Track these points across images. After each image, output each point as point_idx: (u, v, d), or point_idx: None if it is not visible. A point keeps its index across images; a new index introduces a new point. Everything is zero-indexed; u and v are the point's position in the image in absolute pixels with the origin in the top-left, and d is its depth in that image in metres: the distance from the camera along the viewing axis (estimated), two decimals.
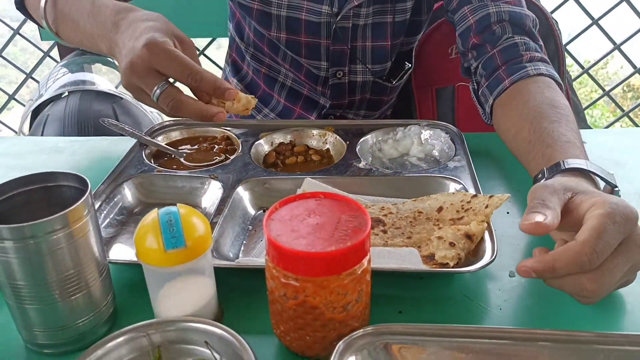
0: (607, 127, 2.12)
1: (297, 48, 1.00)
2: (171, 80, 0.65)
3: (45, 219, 0.45)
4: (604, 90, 1.89)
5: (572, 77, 1.71)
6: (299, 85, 1.08)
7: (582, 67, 1.87)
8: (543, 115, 0.74)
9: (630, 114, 2.00)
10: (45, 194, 0.53)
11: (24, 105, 1.95)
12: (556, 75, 0.84)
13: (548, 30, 1.18)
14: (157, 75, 0.64)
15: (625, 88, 3.27)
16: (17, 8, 0.91)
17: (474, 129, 0.95)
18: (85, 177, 0.51)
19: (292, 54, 1.02)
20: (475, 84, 0.91)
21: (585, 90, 3.36)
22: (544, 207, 0.52)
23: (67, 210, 0.46)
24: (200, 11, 1.47)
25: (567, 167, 0.62)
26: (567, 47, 1.76)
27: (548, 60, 0.87)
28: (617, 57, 1.83)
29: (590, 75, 1.89)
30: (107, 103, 1.41)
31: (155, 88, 0.64)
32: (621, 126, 2.13)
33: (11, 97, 1.98)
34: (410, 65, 1.10)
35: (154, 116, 1.51)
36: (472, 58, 0.90)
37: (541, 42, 0.90)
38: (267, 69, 1.09)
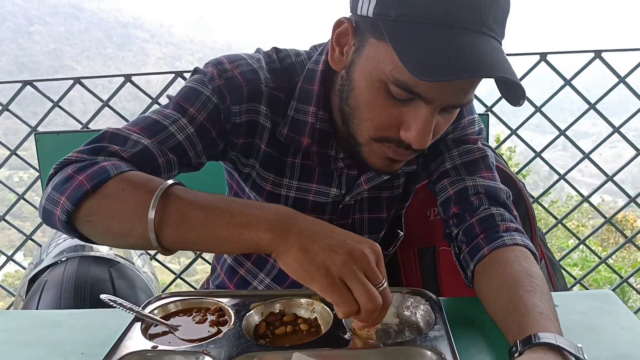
0: (587, 274, 2.18)
1: None
2: None
3: None
4: (579, 239, 1.99)
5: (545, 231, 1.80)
6: None
7: (556, 218, 1.98)
8: (519, 284, 0.82)
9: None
10: None
11: (22, 267, 2.00)
12: (531, 245, 0.94)
13: (517, 194, 1.29)
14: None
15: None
16: (65, 224, 0.81)
17: (456, 288, 1.01)
18: None
19: None
20: (456, 248, 1.00)
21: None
22: None
23: None
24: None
25: (537, 341, 0.67)
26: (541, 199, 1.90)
27: (523, 230, 0.98)
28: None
29: (564, 225, 2.00)
30: (104, 267, 1.46)
31: (383, 280, 0.71)
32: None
33: (9, 258, 2.04)
34: (402, 233, 1.18)
35: (149, 277, 1.56)
36: (453, 225, 1.00)
37: (515, 213, 1.01)
38: None
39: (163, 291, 1.93)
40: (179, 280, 2.24)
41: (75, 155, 0.84)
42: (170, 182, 0.77)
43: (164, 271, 2.34)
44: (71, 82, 1.88)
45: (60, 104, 1.95)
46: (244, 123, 0.95)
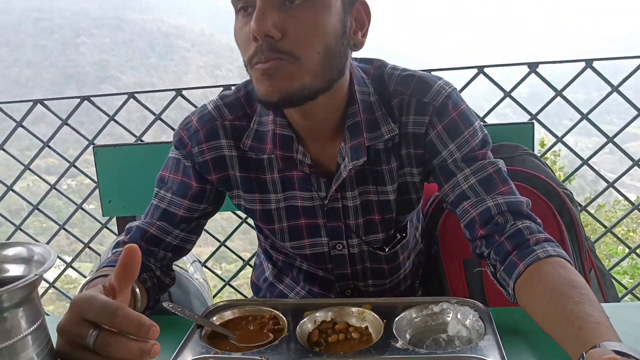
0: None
1: (299, 232, 1.12)
2: None
3: None
4: (629, 247, 1.95)
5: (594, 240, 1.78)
6: (314, 269, 1.20)
7: (605, 227, 1.96)
8: (566, 296, 0.83)
9: None
10: None
11: (83, 275, 2.11)
12: (564, 253, 0.94)
13: (562, 205, 1.29)
14: (88, 324, 0.63)
15: None
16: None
17: (504, 298, 1.02)
18: None
19: (296, 241, 1.14)
20: (491, 267, 1.01)
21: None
22: None
23: None
24: None
25: None
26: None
27: (552, 238, 0.98)
28: None
29: (613, 234, 1.97)
30: None
31: (89, 337, 0.62)
32: None
33: (69, 264, 2.14)
34: (404, 235, 1.18)
35: (201, 284, 1.63)
36: (482, 245, 1.01)
37: (539, 220, 1.01)
38: (285, 257, 1.24)
39: (213, 296, 2.00)
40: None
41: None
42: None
43: (211, 276, 2.41)
44: (126, 97, 1.97)
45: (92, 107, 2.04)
46: (209, 160, 1.07)
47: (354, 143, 1.02)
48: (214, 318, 1.00)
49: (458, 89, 1.10)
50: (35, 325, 0.61)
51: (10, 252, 0.68)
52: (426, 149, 1.05)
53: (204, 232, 1.22)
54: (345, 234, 1.12)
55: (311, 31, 0.88)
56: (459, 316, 0.94)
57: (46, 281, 2.32)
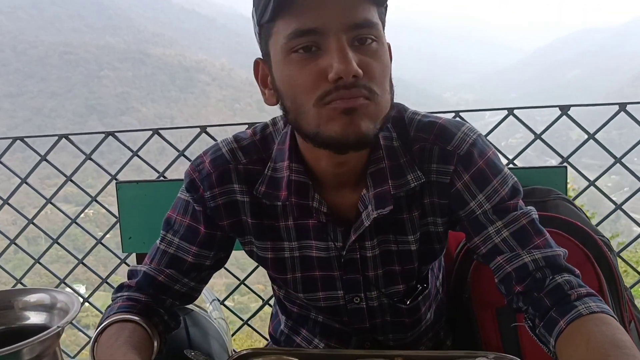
0: None
1: (313, 284, 1.07)
2: None
3: None
4: None
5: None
6: (329, 320, 1.14)
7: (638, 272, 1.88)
8: (613, 358, 0.77)
9: None
10: None
11: (99, 311, 2.07)
12: (607, 308, 0.89)
13: (599, 254, 1.24)
14: None
15: None
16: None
17: (541, 350, 0.96)
18: None
19: (310, 293, 1.08)
20: (529, 321, 0.95)
21: None
22: None
23: None
24: None
25: None
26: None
27: (594, 292, 0.92)
28: None
29: None
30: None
31: None
32: None
33: (86, 300, 2.11)
34: (426, 285, 1.12)
35: (220, 325, 1.58)
36: (519, 301, 0.95)
37: (578, 272, 0.96)
38: (299, 308, 1.17)
39: (232, 335, 1.95)
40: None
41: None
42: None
43: (227, 313, 2.36)
44: (150, 132, 1.97)
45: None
46: (221, 205, 1.02)
47: (378, 191, 0.97)
48: None
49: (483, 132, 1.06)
50: None
51: (32, 298, 0.65)
52: (452, 199, 1.00)
53: None
54: (363, 287, 1.06)
55: (384, 71, 0.88)
56: None
57: None
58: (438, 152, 0.98)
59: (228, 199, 1.03)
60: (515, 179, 1.01)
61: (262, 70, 0.94)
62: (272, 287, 1.25)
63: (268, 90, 0.94)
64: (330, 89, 0.84)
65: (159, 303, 1.05)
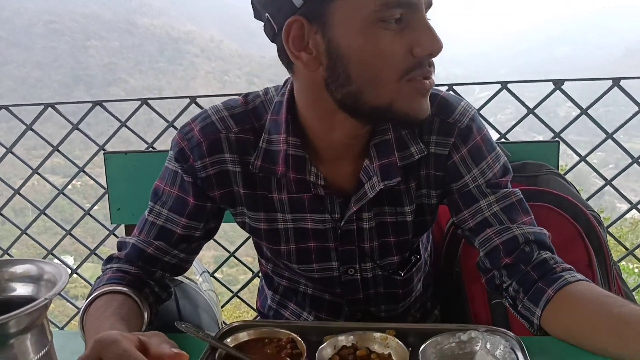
0: None
1: (307, 255, 1.06)
2: None
3: None
4: None
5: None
6: (320, 292, 1.14)
7: (627, 249, 1.90)
8: (608, 305, 0.83)
9: None
10: None
11: (88, 283, 2.06)
12: (592, 282, 0.93)
13: (589, 228, 1.24)
14: None
15: None
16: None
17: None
18: None
19: (304, 265, 1.07)
20: (510, 299, 0.97)
21: None
22: None
23: None
24: None
25: None
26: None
27: (575, 270, 0.96)
28: None
29: (635, 257, 1.91)
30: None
31: None
32: None
33: (74, 271, 2.10)
34: (418, 257, 1.13)
35: (210, 297, 1.58)
36: (504, 275, 0.97)
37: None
38: (287, 282, 1.17)
39: (222, 307, 1.95)
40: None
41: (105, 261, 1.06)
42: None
43: (216, 285, 2.36)
44: (139, 102, 1.94)
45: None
46: (212, 176, 1.00)
47: (385, 162, 0.96)
48: (229, 340, 0.95)
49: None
50: (42, 353, 0.57)
51: (19, 269, 0.64)
52: (447, 171, 1.01)
53: None
54: (358, 258, 1.06)
55: None
56: (488, 346, 0.88)
57: None
58: (439, 124, 0.99)
59: (219, 169, 1.00)
60: (506, 158, 1.04)
61: (300, 31, 0.84)
62: (259, 261, 1.24)
63: (306, 55, 0.86)
64: (413, 64, 0.84)
65: (149, 275, 1.04)
